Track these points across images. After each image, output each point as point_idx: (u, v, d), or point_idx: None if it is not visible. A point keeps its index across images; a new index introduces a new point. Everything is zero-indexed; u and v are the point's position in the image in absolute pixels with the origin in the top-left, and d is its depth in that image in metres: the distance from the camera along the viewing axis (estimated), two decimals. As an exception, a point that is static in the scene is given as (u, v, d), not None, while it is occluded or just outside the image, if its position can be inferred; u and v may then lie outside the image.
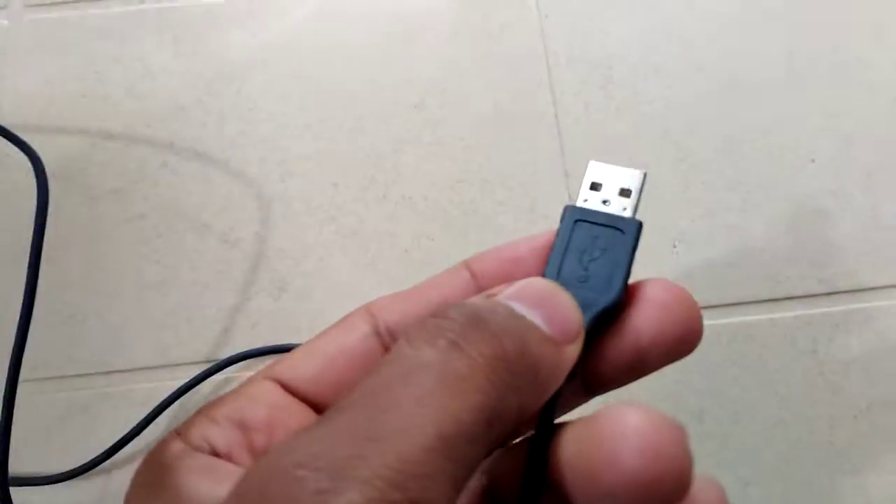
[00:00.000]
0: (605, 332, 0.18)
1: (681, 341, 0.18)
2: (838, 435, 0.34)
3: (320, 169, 0.38)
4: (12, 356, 0.31)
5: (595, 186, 0.20)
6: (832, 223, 0.37)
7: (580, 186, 0.20)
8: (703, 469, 0.34)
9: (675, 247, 0.36)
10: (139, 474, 0.17)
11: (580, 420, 0.16)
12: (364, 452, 0.13)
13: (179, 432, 0.17)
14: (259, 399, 0.18)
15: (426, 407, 0.14)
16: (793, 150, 0.38)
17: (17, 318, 0.31)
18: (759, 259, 0.37)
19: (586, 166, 0.20)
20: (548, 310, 0.17)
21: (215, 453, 0.17)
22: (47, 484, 0.34)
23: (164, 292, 0.36)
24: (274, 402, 0.18)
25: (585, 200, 0.19)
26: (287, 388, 0.19)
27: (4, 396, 0.31)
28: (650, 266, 0.36)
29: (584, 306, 0.17)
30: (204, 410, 0.18)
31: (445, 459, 0.14)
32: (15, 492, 0.32)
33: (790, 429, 0.34)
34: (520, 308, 0.16)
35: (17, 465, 0.34)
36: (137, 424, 0.35)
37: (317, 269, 0.37)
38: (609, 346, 0.18)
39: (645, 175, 0.20)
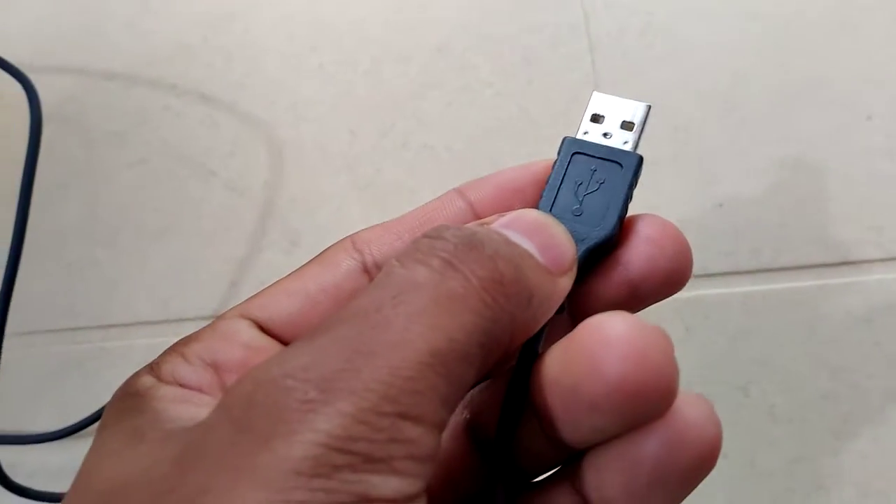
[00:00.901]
0: (597, 266, 0.18)
1: (670, 278, 0.18)
2: (894, 409, 0.31)
3: (335, 114, 0.35)
4: None
5: (596, 118, 0.19)
6: (889, 185, 0.35)
7: (581, 117, 0.19)
8: (748, 443, 0.31)
9: (721, 205, 0.34)
10: (110, 406, 0.16)
11: (564, 337, 0.16)
12: (355, 366, 0.13)
13: (151, 367, 0.17)
14: (232, 338, 0.17)
15: (419, 324, 0.14)
16: (848, 107, 0.35)
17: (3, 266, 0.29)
18: (810, 221, 0.34)
19: (589, 97, 0.19)
20: (541, 240, 0.16)
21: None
22: (38, 443, 0.32)
23: (166, 242, 0.34)
24: (248, 342, 0.17)
25: (586, 133, 0.19)
26: (263, 327, 0.17)
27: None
28: (693, 224, 0.33)
29: (577, 240, 0.17)
30: (176, 348, 0.17)
31: (437, 376, 0.13)
32: (3, 450, 0.30)
33: (841, 402, 0.32)
34: (514, 236, 0.16)
35: (6, 422, 0.32)
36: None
37: (331, 221, 0.34)
38: (599, 280, 0.18)
39: (649, 107, 0.19)
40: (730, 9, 0.37)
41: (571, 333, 0.16)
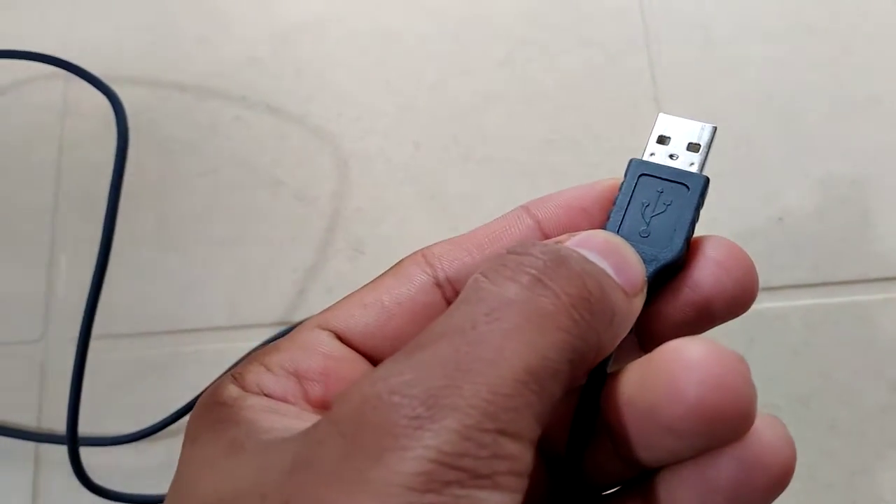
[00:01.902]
0: (664, 287, 0.18)
1: (736, 300, 0.18)
2: (956, 426, 0.32)
3: (400, 126, 0.36)
4: (85, 312, 0.30)
5: (662, 140, 0.19)
6: (949, 200, 0.35)
7: (647, 138, 0.19)
8: (808, 456, 0.31)
9: (781, 219, 0.34)
10: (199, 417, 0.17)
11: (641, 359, 0.16)
12: (456, 383, 0.13)
13: (234, 377, 0.17)
14: (313, 349, 0.17)
15: (514, 341, 0.14)
16: (907, 121, 0.36)
17: (91, 271, 0.30)
18: (870, 235, 0.34)
19: (655, 118, 0.19)
20: (615, 260, 0.17)
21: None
22: (114, 445, 0.33)
23: (237, 250, 0.35)
24: (329, 353, 0.17)
25: (652, 154, 0.19)
26: (341, 338, 0.18)
27: (76, 354, 0.30)
28: (754, 237, 0.34)
29: (645, 261, 0.17)
30: (257, 358, 0.17)
31: (531, 393, 0.14)
32: (82, 451, 0.31)
33: (903, 417, 0.32)
34: (590, 255, 0.16)
35: (86, 424, 0.33)
36: (207, 386, 0.33)
37: (395, 231, 0.35)
38: (666, 301, 0.18)
39: (714, 129, 0.19)
40: (788, 24, 0.37)
41: (650, 355, 0.16)
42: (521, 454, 0.13)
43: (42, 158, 0.37)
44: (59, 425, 0.33)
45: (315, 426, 0.14)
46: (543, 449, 0.18)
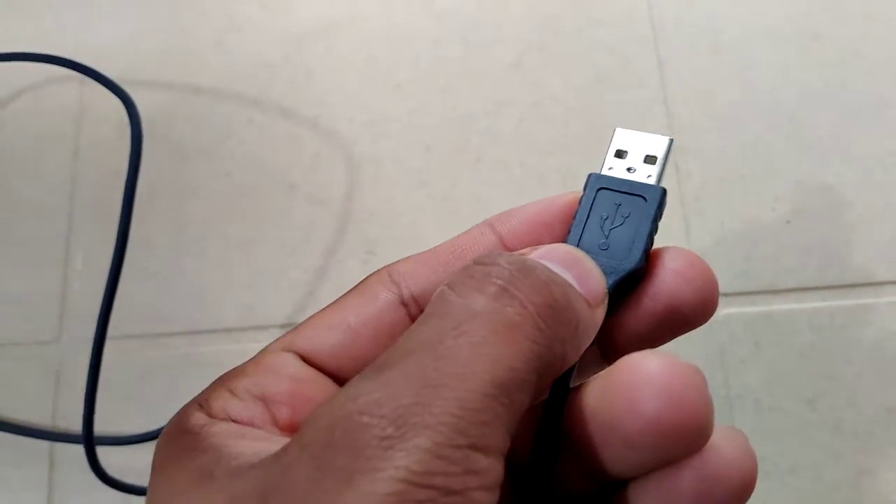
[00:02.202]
0: (625, 300, 0.18)
1: (696, 310, 0.18)
2: (961, 428, 0.32)
3: (412, 130, 0.37)
4: (101, 313, 0.30)
5: (620, 154, 0.20)
6: (954, 203, 0.35)
7: (605, 153, 0.19)
8: (815, 457, 0.32)
9: (788, 222, 0.34)
10: (165, 445, 0.16)
11: (601, 373, 0.16)
12: (425, 400, 0.13)
13: (200, 403, 0.17)
14: (279, 372, 0.17)
15: (481, 355, 0.14)
16: (913, 125, 0.36)
17: (105, 273, 0.30)
18: (876, 238, 0.34)
19: (612, 132, 0.20)
20: (576, 271, 0.17)
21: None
22: (128, 444, 0.33)
23: (251, 252, 0.35)
24: (295, 375, 0.17)
25: (610, 168, 0.19)
26: (307, 359, 0.18)
27: (92, 354, 0.30)
28: (762, 241, 0.34)
29: (605, 273, 0.17)
30: (222, 383, 0.17)
31: (501, 406, 0.14)
32: (98, 450, 0.31)
33: (909, 419, 0.32)
34: (553, 267, 0.16)
35: (100, 423, 0.33)
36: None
37: (407, 233, 0.35)
38: (626, 312, 0.18)
39: (671, 141, 0.19)
40: (795, 30, 0.38)
41: (609, 370, 0.16)
42: (492, 468, 0.13)
43: (57, 161, 0.37)
44: (74, 424, 0.33)
45: (284, 450, 0.14)
46: (508, 461, 0.18)
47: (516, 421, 0.14)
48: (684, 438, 0.15)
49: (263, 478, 0.14)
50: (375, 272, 0.19)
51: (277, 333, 0.35)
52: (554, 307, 0.15)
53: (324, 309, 0.19)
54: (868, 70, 0.37)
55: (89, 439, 0.30)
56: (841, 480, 0.32)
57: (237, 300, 0.35)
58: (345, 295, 0.19)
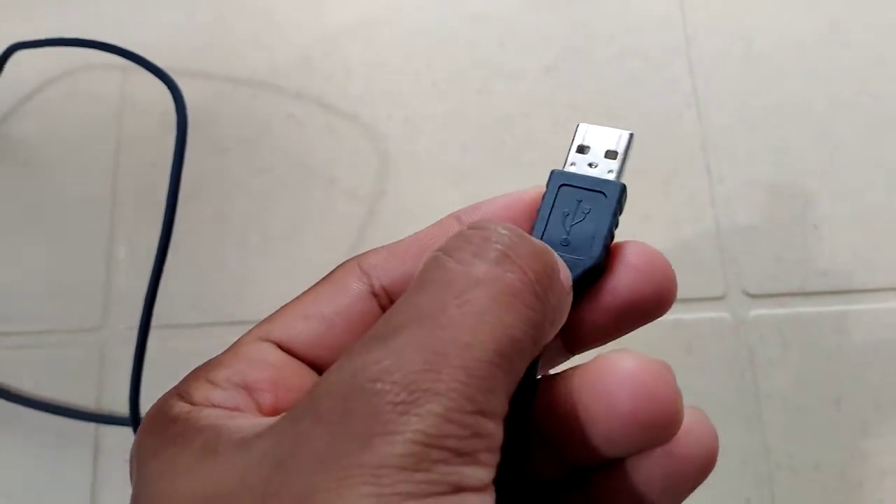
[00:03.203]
0: (587, 293, 0.19)
1: (654, 303, 0.18)
2: (982, 430, 0.33)
3: (448, 129, 0.37)
4: (145, 301, 0.31)
5: (582, 149, 0.20)
6: (977, 211, 0.36)
7: (568, 149, 0.20)
8: (839, 455, 0.33)
9: (816, 226, 0.35)
10: (149, 435, 0.16)
11: (575, 369, 0.17)
12: (434, 367, 0.14)
13: (179, 394, 0.17)
14: (259, 360, 0.18)
15: (485, 324, 0.14)
16: (938, 134, 0.37)
17: (147, 263, 0.31)
18: (901, 244, 0.35)
19: (575, 128, 0.20)
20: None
21: None
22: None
23: (291, 245, 0.36)
24: (275, 363, 0.18)
25: (573, 164, 0.20)
26: (285, 348, 0.18)
27: (137, 341, 0.31)
28: (790, 245, 0.35)
29: (569, 266, 0.18)
30: (199, 374, 0.17)
31: (503, 373, 0.14)
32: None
33: (931, 420, 0.33)
34: None
35: (143, 411, 0.34)
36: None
37: (443, 230, 0.36)
38: (587, 306, 0.19)
39: (631, 136, 0.20)
40: (824, 38, 0.38)
41: (585, 367, 0.17)
42: (495, 431, 0.14)
43: (100, 152, 0.38)
44: (118, 408, 0.34)
45: (294, 419, 0.14)
46: None
47: (514, 386, 0.15)
48: (659, 430, 0.16)
49: (276, 445, 0.14)
50: (344, 262, 0.19)
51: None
52: (549, 274, 0.16)
53: (296, 299, 0.19)
54: (892, 77, 0.38)
55: (136, 421, 0.31)
56: (864, 478, 0.33)
57: (277, 291, 0.35)
58: (316, 285, 0.19)
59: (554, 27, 0.39)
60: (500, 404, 0.14)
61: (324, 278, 0.19)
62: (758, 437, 0.32)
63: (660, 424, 0.16)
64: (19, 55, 0.39)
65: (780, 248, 0.35)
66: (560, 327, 0.17)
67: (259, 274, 0.36)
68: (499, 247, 0.15)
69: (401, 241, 0.20)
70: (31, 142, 0.39)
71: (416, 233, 0.20)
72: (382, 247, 0.19)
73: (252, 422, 0.15)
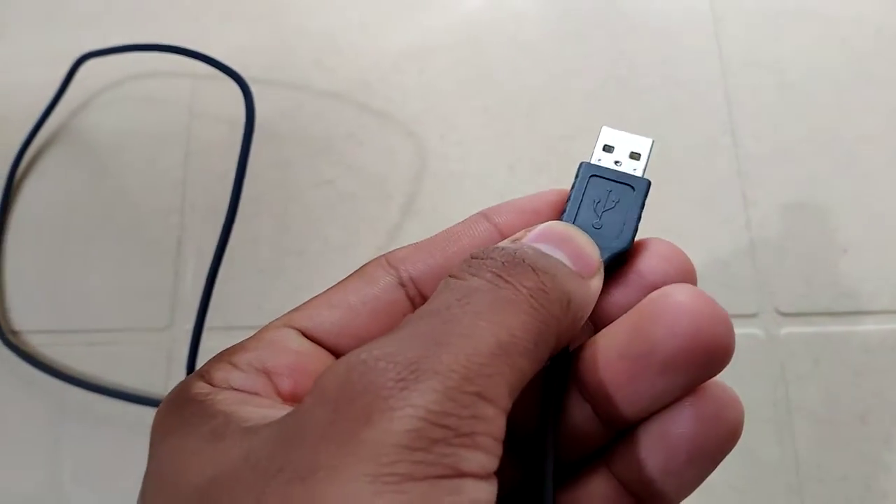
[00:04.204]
0: (612, 276, 0.19)
1: (676, 279, 0.19)
2: None
3: (496, 150, 0.40)
4: (200, 304, 0.33)
5: (608, 149, 0.21)
6: None
7: (594, 147, 0.21)
8: (865, 467, 0.34)
9: (845, 251, 0.37)
10: (167, 413, 0.17)
11: (626, 315, 0.18)
12: (436, 352, 0.14)
13: (202, 375, 0.17)
14: (281, 346, 0.18)
15: (485, 320, 0.15)
16: (961, 166, 0.39)
17: (209, 265, 0.33)
18: (926, 269, 0.37)
19: (599, 130, 0.21)
20: (570, 248, 0.18)
21: None
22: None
23: (347, 254, 0.38)
24: (297, 349, 0.18)
25: (599, 160, 0.21)
26: (308, 336, 0.18)
27: (191, 341, 0.33)
28: (820, 268, 0.37)
29: (599, 248, 0.19)
30: (223, 357, 0.18)
31: (504, 364, 0.15)
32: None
33: (953, 437, 0.35)
34: (546, 248, 0.18)
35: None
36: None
37: (491, 245, 0.38)
38: (615, 288, 0.19)
39: (653, 143, 0.21)
40: (853, 73, 0.41)
41: (638, 307, 0.18)
42: (496, 417, 0.14)
43: (170, 159, 0.40)
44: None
45: (300, 404, 0.15)
46: (511, 439, 0.18)
47: (518, 386, 0.15)
48: (716, 355, 0.17)
49: (280, 429, 0.14)
50: (374, 259, 0.20)
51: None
52: (543, 289, 0.16)
53: (324, 291, 0.19)
54: (921, 113, 0.40)
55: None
56: (889, 490, 0.34)
57: (333, 299, 0.37)
58: (345, 279, 0.20)
59: (597, 57, 0.42)
60: (501, 394, 0.15)
61: (353, 273, 0.20)
62: (789, 449, 0.34)
63: (718, 347, 0.17)
64: (89, 65, 0.41)
65: (810, 269, 0.37)
66: (584, 319, 0.18)
67: (316, 281, 0.38)
68: (493, 269, 0.16)
69: (430, 237, 0.20)
70: (103, 150, 0.41)
71: (444, 230, 0.20)
72: (410, 244, 0.20)
73: (264, 411, 0.16)
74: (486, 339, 0.15)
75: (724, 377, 0.35)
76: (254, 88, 0.37)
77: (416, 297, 0.19)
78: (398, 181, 0.39)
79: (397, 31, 0.42)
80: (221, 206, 0.36)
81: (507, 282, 0.16)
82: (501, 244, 0.18)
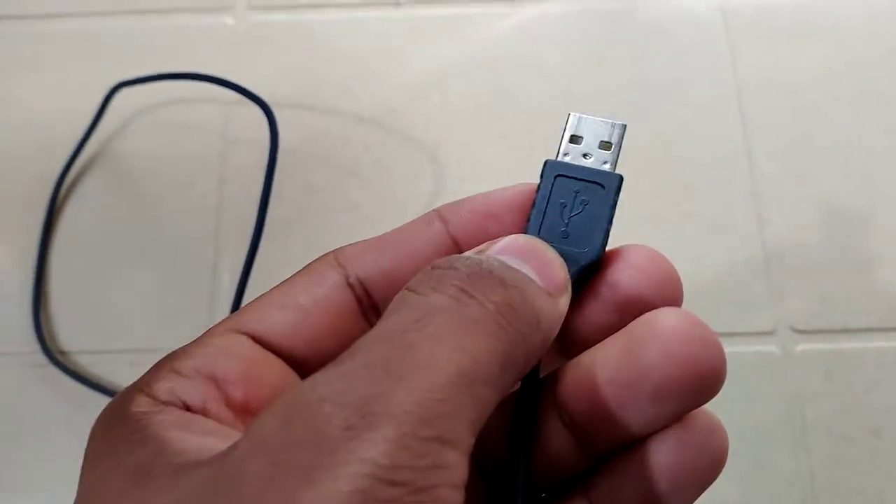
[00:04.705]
0: (583, 290, 0.18)
1: (656, 301, 0.17)
2: None
3: (517, 175, 0.41)
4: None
5: (575, 139, 0.20)
6: None
7: (560, 139, 0.19)
8: (879, 481, 0.35)
9: (858, 269, 0.38)
10: (101, 433, 0.15)
11: (614, 338, 0.17)
12: (390, 389, 0.13)
13: (142, 388, 0.16)
14: (230, 351, 0.17)
15: (445, 346, 0.14)
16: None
17: (249, 294, 0.35)
18: (939, 286, 0.38)
19: (566, 117, 0.20)
20: (537, 263, 0.17)
21: (187, 409, 0.16)
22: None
23: (375, 277, 0.40)
24: (246, 355, 0.17)
25: (566, 154, 0.19)
26: (258, 340, 0.17)
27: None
28: (834, 285, 0.38)
29: (566, 261, 0.17)
30: (165, 365, 0.16)
31: (465, 397, 0.13)
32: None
33: (967, 451, 0.36)
34: (512, 262, 0.16)
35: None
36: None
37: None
38: (586, 303, 0.18)
39: (624, 126, 0.20)
40: (865, 93, 0.42)
41: (627, 330, 0.17)
42: (458, 463, 0.13)
43: (204, 185, 0.42)
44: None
45: (234, 445, 0.13)
46: (480, 465, 0.17)
47: (482, 419, 0.14)
48: (710, 383, 0.16)
49: (213, 476, 0.13)
50: (322, 256, 0.19)
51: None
52: (512, 305, 0.15)
53: (270, 291, 0.18)
54: (934, 132, 0.41)
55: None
56: (903, 505, 0.35)
57: (361, 319, 0.39)
58: (291, 277, 0.18)
59: (614, 80, 0.43)
60: (463, 433, 0.13)
61: (300, 270, 0.19)
62: (804, 464, 0.35)
63: (712, 374, 0.16)
64: (123, 93, 0.43)
65: (825, 287, 0.38)
66: (551, 339, 0.16)
67: (346, 302, 0.39)
68: (456, 282, 0.15)
69: (380, 235, 0.19)
70: (139, 174, 0.43)
71: (395, 228, 0.19)
72: (360, 241, 0.19)
73: (202, 441, 0.14)
74: (446, 369, 0.13)
75: (742, 394, 0.37)
76: (283, 114, 0.39)
77: (364, 298, 0.18)
78: (422, 206, 0.41)
79: (420, 59, 0.44)
80: (252, 229, 0.38)
81: (471, 297, 0.15)
82: (466, 254, 0.17)
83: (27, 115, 0.44)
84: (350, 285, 0.18)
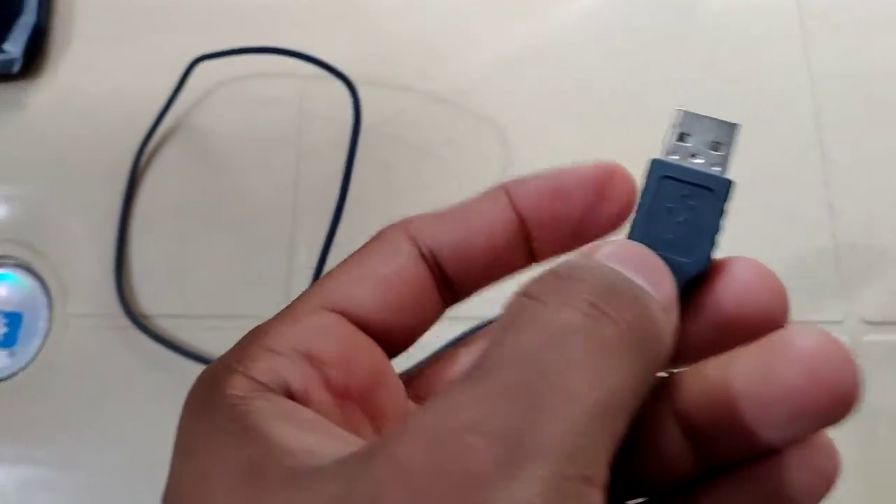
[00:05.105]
0: (686, 302, 0.17)
1: (762, 319, 0.17)
2: None
3: (586, 159, 0.42)
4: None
5: (683, 138, 0.18)
6: None
7: (667, 136, 0.18)
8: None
9: (927, 263, 0.38)
10: (197, 414, 0.15)
11: (748, 354, 0.16)
12: (534, 421, 0.12)
13: (236, 367, 0.15)
14: (326, 330, 0.16)
15: (582, 373, 0.13)
16: None
17: (325, 265, 0.36)
18: None
19: (672, 113, 0.19)
20: (650, 275, 0.16)
21: (288, 392, 0.15)
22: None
23: (446, 254, 0.41)
24: (343, 336, 0.16)
25: (673, 154, 0.18)
26: (349, 317, 0.17)
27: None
28: (883, 275, 0.38)
29: (673, 272, 0.16)
30: (254, 340, 0.16)
31: (604, 430, 0.13)
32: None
33: None
34: (626, 271, 0.15)
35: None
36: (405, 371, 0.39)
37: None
38: (687, 318, 0.17)
39: (738, 127, 0.18)
40: (944, 85, 0.41)
41: (762, 349, 0.16)
42: (600, 502, 0.12)
43: (282, 158, 0.43)
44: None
45: (367, 464, 0.12)
46: None
47: (615, 451, 0.13)
48: (846, 406, 0.15)
49: (344, 495, 0.12)
50: (391, 226, 0.18)
51: (464, 324, 0.40)
52: (644, 323, 0.14)
53: (346, 261, 0.18)
54: None
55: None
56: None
57: (432, 294, 0.40)
58: (364, 247, 0.18)
59: (685, 67, 0.43)
60: (602, 470, 0.13)
61: (371, 240, 0.18)
62: (871, 453, 0.36)
63: (849, 397, 0.15)
64: (203, 67, 0.44)
65: (871, 278, 0.38)
66: (669, 358, 0.16)
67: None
68: (587, 297, 0.14)
69: (447, 208, 0.19)
70: (217, 146, 0.44)
71: (463, 201, 0.19)
72: (424, 213, 0.19)
73: (307, 441, 0.14)
74: (585, 401, 0.13)
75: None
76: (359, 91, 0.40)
77: (436, 271, 0.18)
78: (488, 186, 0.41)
79: (492, 43, 0.44)
80: (330, 204, 0.39)
81: (604, 314, 0.14)
82: (578, 260, 0.16)
83: (110, 86, 0.46)
84: (423, 256, 0.18)
